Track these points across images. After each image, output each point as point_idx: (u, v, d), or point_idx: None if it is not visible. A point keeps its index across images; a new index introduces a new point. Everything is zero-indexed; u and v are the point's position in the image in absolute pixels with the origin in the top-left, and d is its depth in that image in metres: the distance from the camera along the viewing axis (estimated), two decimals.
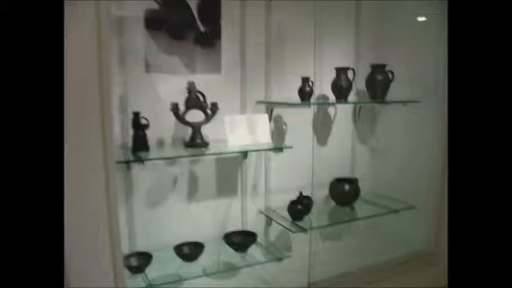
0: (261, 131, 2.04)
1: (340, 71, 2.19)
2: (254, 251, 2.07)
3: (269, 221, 2.30)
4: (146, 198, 1.97)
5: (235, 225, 2.21)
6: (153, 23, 1.87)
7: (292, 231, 2.07)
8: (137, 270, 1.78)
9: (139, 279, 1.75)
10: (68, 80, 1.10)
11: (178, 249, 1.90)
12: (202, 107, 1.89)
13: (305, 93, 2.10)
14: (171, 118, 1.85)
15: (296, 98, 2.14)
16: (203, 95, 1.89)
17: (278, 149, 2.11)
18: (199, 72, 2.01)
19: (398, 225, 2.42)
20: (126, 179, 1.90)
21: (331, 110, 2.54)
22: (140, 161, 1.73)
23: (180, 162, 2.04)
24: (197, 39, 2.00)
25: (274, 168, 2.32)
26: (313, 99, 2.16)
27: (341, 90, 2.20)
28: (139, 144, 1.78)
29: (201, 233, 2.02)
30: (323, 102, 2.42)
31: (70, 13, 1.09)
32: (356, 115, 2.65)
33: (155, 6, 1.87)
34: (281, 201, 2.22)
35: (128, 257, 1.79)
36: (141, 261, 1.82)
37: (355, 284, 2.15)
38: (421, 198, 2.37)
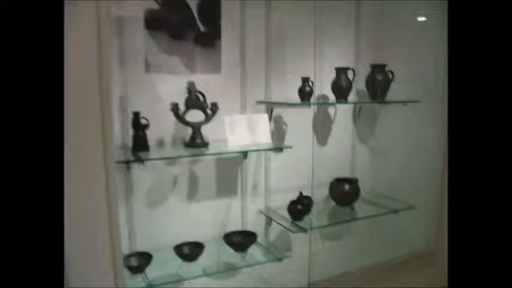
0: (261, 131, 2.03)
1: (340, 71, 2.19)
2: (254, 251, 2.06)
3: (269, 221, 2.30)
4: (146, 198, 1.97)
5: (235, 225, 2.21)
6: (153, 23, 1.87)
7: (292, 231, 2.07)
8: (137, 270, 1.78)
9: (139, 279, 1.75)
10: (68, 80, 1.10)
11: (178, 249, 1.90)
12: (202, 107, 1.89)
13: (305, 93, 2.10)
14: (171, 118, 1.85)
15: (296, 98, 2.14)
16: (203, 95, 1.89)
17: (278, 149, 2.11)
18: (199, 72, 2.01)
19: (398, 225, 2.42)
20: (126, 179, 1.90)
21: (331, 110, 2.54)
22: (140, 161, 1.73)
23: (180, 162, 2.04)
24: (197, 39, 2.00)
25: (274, 168, 2.32)
26: (313, 99, 2.16)
27: (341, 90, 2.20)
28: (139, 144, 1.78)
29: (201, 233, 2.02)
30: (323, 102, 2.42)
31: (70, 13, 1.09)
32: (356, 115, 2.65)
33: (155, 6, 1.87)
34: (281, 201, 2.22)
35: (128, 257, 1.79)
36: (141, 261, 1.82)
37: (355, 284, 2.16)
38: (421, 198, 2.37)
